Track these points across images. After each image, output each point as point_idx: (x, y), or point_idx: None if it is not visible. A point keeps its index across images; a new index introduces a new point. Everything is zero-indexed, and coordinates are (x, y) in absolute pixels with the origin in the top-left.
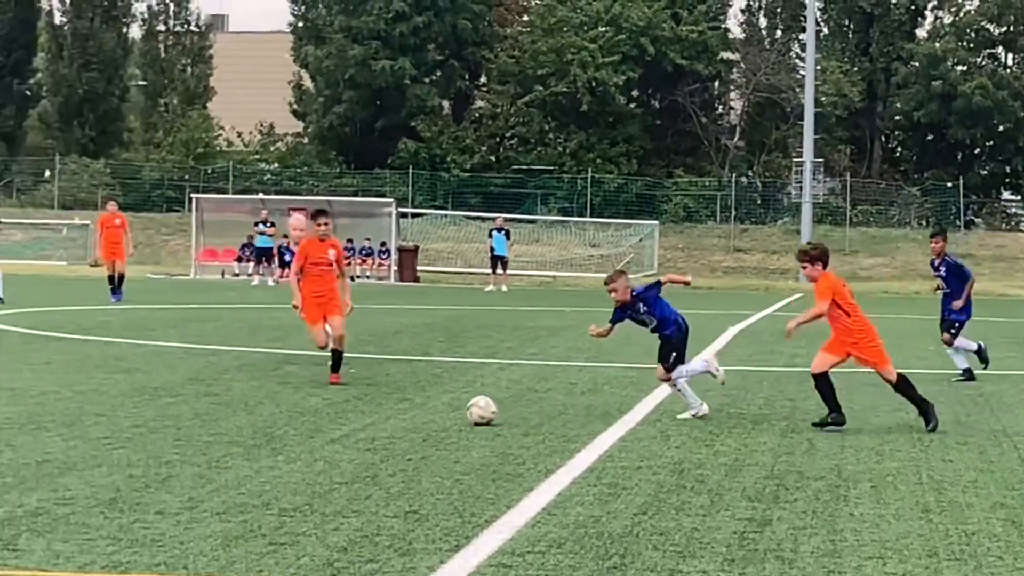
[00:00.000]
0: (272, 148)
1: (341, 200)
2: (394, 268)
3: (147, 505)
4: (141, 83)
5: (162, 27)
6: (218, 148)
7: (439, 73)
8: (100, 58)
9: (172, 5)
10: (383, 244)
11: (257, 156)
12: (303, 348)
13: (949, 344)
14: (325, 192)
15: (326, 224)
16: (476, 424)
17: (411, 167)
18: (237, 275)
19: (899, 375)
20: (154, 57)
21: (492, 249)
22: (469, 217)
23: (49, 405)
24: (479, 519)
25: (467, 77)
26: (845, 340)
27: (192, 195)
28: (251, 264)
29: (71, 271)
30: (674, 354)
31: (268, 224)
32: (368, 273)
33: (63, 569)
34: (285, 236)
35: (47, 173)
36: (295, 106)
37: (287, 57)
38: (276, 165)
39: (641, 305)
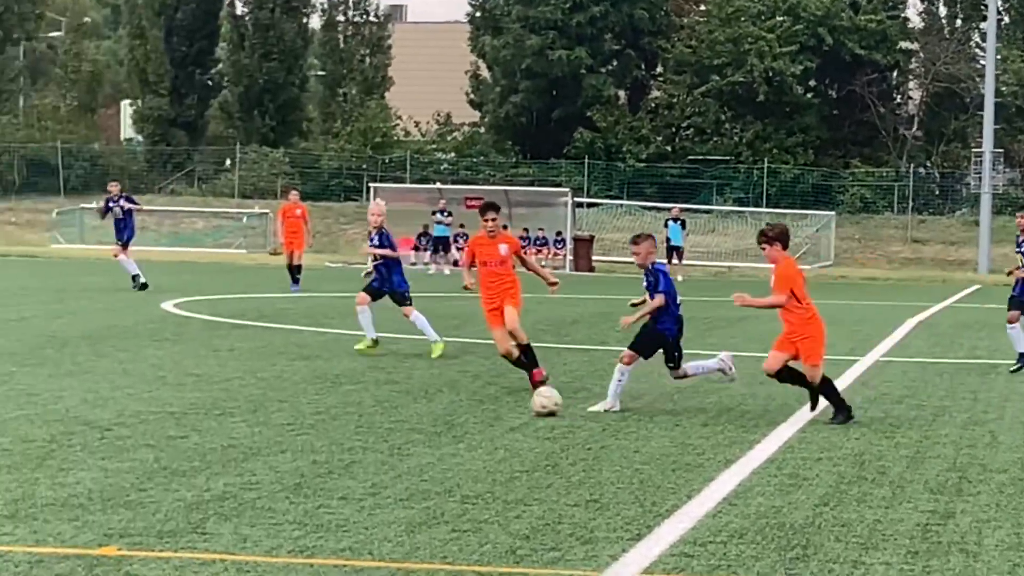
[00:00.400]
0: (449, 138)
1: (517, 190)
2: (569, 258)
3: (331, 491)
4: (320, 73)
5: (341, 17)
6: (395, 138)
7: (615, 63)
8: (280, 48)
9: None
10: (558, 234)
11: (434, 146)
12: (481, 337)
13: (1014, 321)
14: (501, 182)
15: (493, 220)
16: (538, 415)
17: (587, 157)
18: (413, 264)
19: (824, 378)
20: (333, 47)
21: (668, 239)
22: (644, 207)
23: (233, 391)
24: (660, 508)
25: (643, 67)
26: (795, 334)
27: (370, 184)
28: (427, 253)
29: (250, 259)
30: (676, 353)
31: (445, 213)
32: (543, 262)
33: (251, 553)
34: (462, 225)
35: (228, 162)
36: (472, 96)
37: (464, 47)
38: (452, 155)
39: (651, 277)
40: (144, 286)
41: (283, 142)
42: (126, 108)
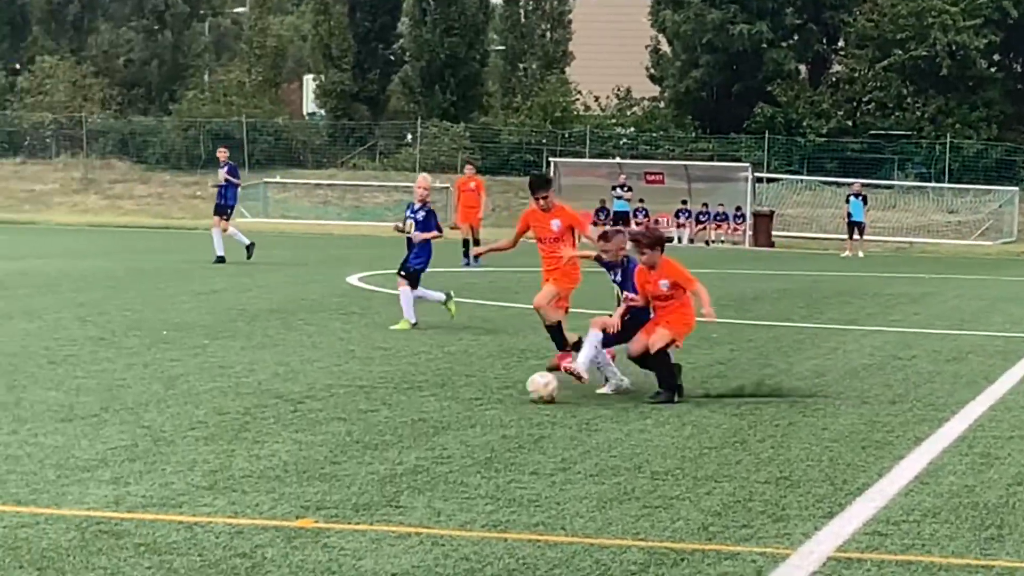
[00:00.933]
0: (628, 112)
1: (697, 165)
2: (748, 233)
3: (522, 465)
4: (501, 48)
5: None
6: (575, 112)
7: (796, 37)
8: (462, 23)
9: None
10: (738, 209)
11: (613, 120)
12: None
13: None
14: (680, 156)
15: (544, 198)
16: (535, 403)
17: (767, 132)
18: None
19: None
20: (514, 22)
21: (849, 215)
22: (824, 182)
23: (421, 365)
24: (851, 486)
25: (824, 41)
26: (668, 318)
27: (550, 159)
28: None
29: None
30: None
31: (625, 188)
32: (723, 238)
33: (444, 527)
34: (641, 200)
35: (408, 137)
36: (652, 70)
37: (645, 21)
38: (632, 129)
39: (620, 273)
40: (221, 260)
41: (463, 117)
42: (309, 83)
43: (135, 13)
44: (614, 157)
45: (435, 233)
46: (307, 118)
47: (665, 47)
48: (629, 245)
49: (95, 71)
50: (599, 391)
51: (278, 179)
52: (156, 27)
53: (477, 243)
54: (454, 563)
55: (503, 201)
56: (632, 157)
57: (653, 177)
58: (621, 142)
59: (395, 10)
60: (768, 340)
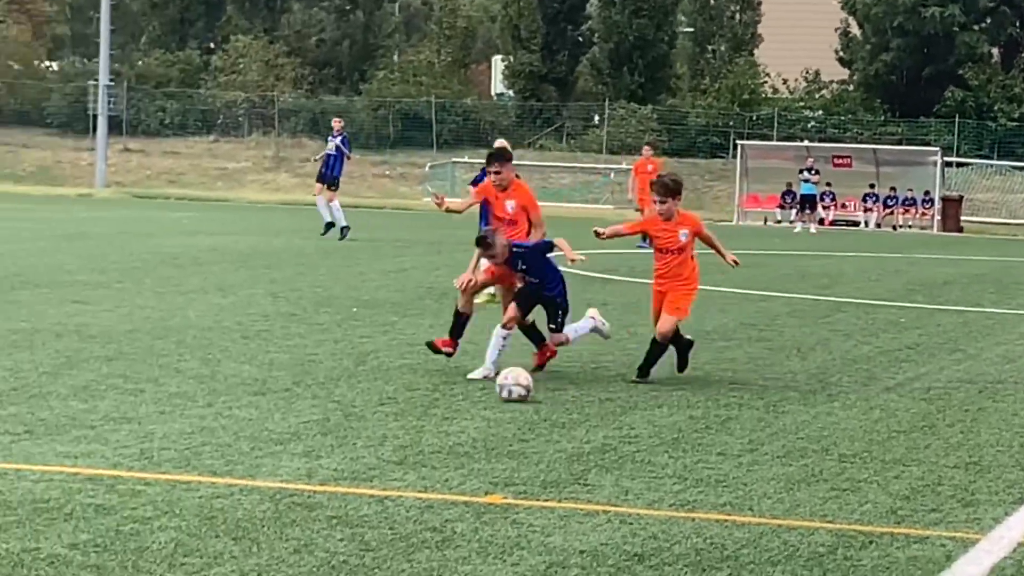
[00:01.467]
0: (817, 95)
1: (885, 148)
2: (937, 218)
3: (709, 446)
4: (689, 30)
5: None
6: (763, 95)
7: (989, 20)
8: (651, 5)
9: None
10: (926, 193)
11: (801, 103)
12: (852, 296)
13: None
14: (869, 140)
15: (496, 172)
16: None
17: (957, 116)
18: (779, 222)
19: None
20: (703, 4)
21: None
22: (1015, 167)
23: (609, 344)
24: None
25: (1018, 24)
26: (674, 294)
27: (737, 141)
28: (793, 211)
29: (617, 215)
30: (561, 312)
31: (813, 172)
32: (911, 222)
33: (632, 505)
34: (829, 184)
35: (596, 118)
36: (841, 53)
37: (835, 4)
38: (820, 112)
39: (521, 263)
40: (330, 227)
41: (651, 99)
42: (498, 63)
43: None
44: (802, 140)
45: None
46: (495, 99)
47: (855, 29)
48: (653, 194)
49: (287, 51)
50: (471, 375)
51: (466, 159)
52: (348, 7)
53: None
54: (641, 541)
55: (689, 184)
56: (820, 140)
57: (841, 160)
58: (809, 125)
59: None
60: (957, 325)
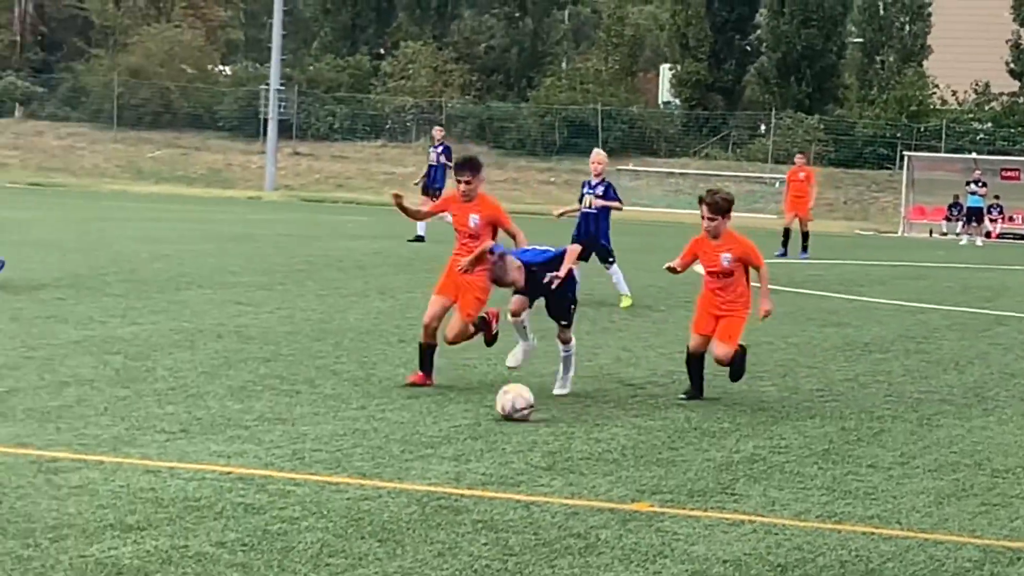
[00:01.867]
0: (987, 107)
1: None
2: None
3: (860, 458)
4: (858, 40)
5: None
6: (931, 106)
7: None
8: (820, 15)
9: None
10: None
11: (970, 115)
12: (1014, 309)
13: None
14: None
15: (467, 182)
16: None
17: None
18: (945, 234)
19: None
20: (873, 14)
21: None
22: None
23: (763, 355)
24: None
25: None
26: (728, 319)
27: (904, 153)
28: (959, 223)
29: (780, 224)
30: (573, 308)
31: (980, 183)
32: None
33: (779, 516)
34: (996, 196)
35: (762, 128)
36: (1012, 65)
37: (1007, 16)
38: (989, 124)
39: (543, 278)
40: (419, 239)
41: (818, 109)
42: (665, 72)
43: (497, 1)
44: (970, 152)
45: (616, 203)
46: (661, 107)
47: None
48: (704, 208)
49: (456, 57)
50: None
51: (631, 167)
52: (517, 14)
53: (806, 236)
54: (786, 552)
55: (855, 194)
56: (988, 153)
57: (1009, 173)
58: (978, 137)
59: (753, 1)
60: None
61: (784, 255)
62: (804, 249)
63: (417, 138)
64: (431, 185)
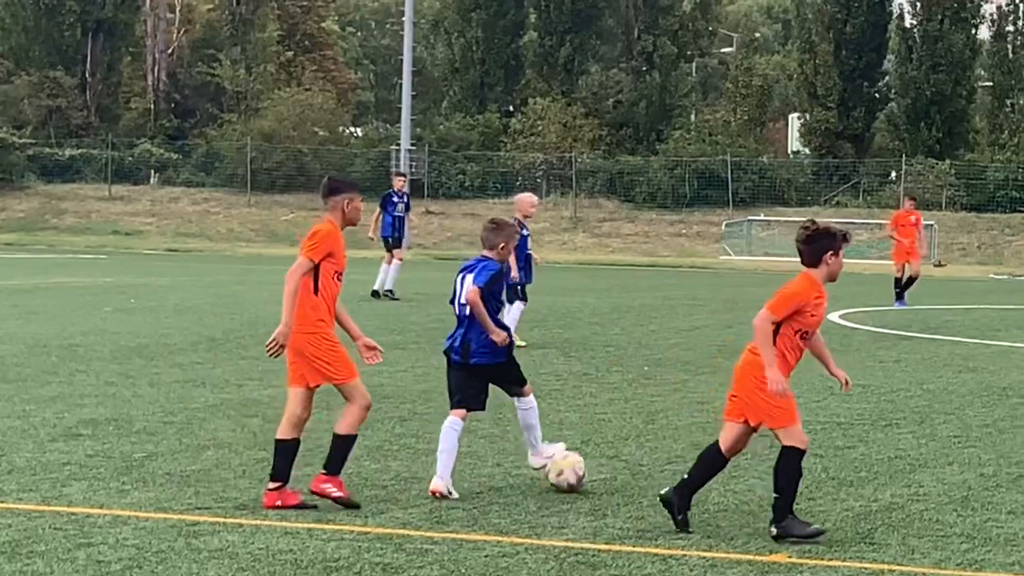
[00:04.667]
0: None
1: None
2: None
3: (999, 504)
4: (988, 84)
5: (1011, 27)
6: None
7: None
8: (948, 60)
9: (1022, 5)
10: None
11: None
12: None
13: None
14: None
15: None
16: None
17: None
18: None
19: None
20: (1002, 57)
21: None
22: None
23: (899, 402)
24: None
25: None
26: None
27: None
28: None
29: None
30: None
31: None
32: None
33: (918, 564)
34: None
35: (892, 174)
36: None
37: None
38: None
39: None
40: (375, 294)
41: (948, 154)
42: (794, 121)
43: (624, 55)
44: None
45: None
46: (791, 156)
47: None
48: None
49: (585, 112)
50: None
51: (762, 216)
52: (644, 68)
53: (911, 281)
54: None
55: (988, 239)
56: None
57: None
58: None
59: (881, 48)
60: None
61: (904, 304)
62: (900, 297)
63: (547, 193)
64: (392, 235)
